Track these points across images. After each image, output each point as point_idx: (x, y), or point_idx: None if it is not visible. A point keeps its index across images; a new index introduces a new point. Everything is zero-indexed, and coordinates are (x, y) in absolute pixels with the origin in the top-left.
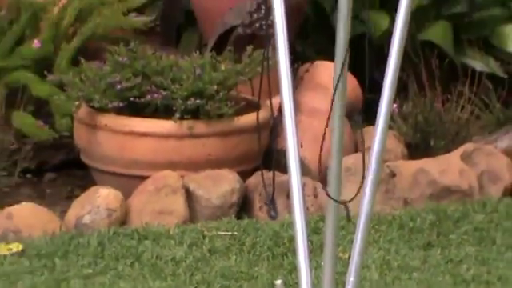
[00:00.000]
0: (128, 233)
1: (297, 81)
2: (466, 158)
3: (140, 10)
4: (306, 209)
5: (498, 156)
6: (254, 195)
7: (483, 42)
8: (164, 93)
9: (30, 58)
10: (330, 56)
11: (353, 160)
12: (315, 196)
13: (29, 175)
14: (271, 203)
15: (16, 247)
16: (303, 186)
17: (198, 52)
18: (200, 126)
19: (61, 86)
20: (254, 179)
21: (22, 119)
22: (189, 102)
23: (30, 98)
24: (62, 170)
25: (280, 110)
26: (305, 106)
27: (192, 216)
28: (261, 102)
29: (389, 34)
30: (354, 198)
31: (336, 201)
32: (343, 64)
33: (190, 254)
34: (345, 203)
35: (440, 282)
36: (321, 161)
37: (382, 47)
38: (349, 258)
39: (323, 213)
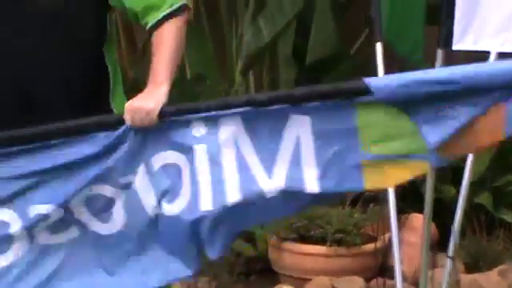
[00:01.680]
0: None
1: (399, 225)
2: (501, 274)
3: None
4: None
5: None
6: None
7: None
8: (321, 230)
9: None
10: (420, 211)
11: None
12: None
13: (241, 276)
14: None
15: None
16: None
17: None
18: (342, 251)
19: (262, 227)
20: (373, 283)
21: (239, 245)
22: (335, 236)
23: (244, 232)
24: (261, 274)
25: (390, 241)
26: (404, 240)
27: None
28: (378, 237)
29: (455, 199)
30: None
31: None
32: (429, 217)
33: None
34: None
35: None
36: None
37: (451, 208)
38: None
39: None
